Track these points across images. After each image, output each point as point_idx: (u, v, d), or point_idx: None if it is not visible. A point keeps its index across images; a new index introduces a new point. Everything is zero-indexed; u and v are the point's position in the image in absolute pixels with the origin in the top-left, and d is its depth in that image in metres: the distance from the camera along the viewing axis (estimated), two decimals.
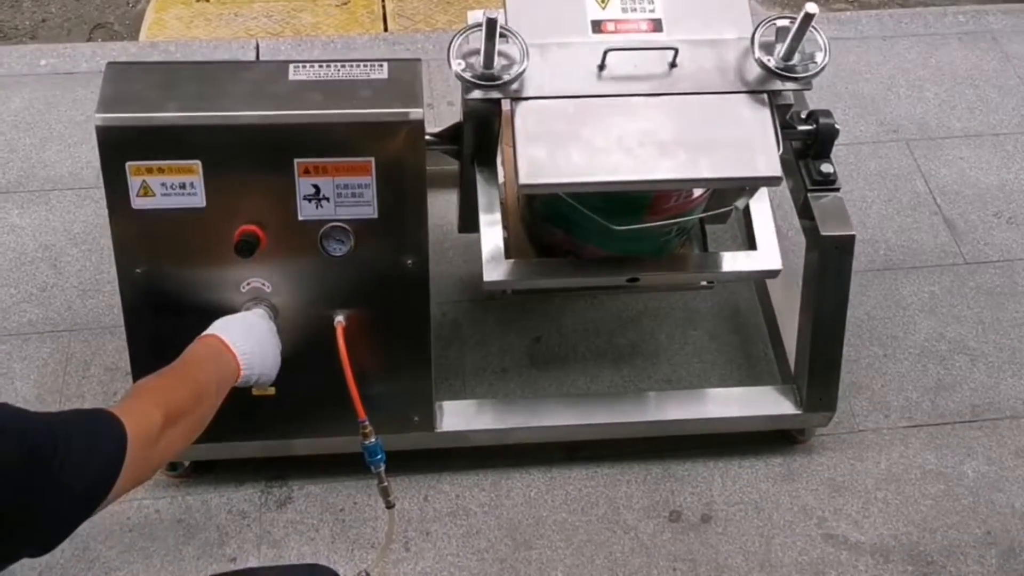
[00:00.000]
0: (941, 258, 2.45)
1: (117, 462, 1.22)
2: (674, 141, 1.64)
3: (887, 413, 2.17)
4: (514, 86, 1.65)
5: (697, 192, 1.80)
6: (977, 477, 2.08)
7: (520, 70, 1.64)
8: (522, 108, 1.65)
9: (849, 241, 1.86)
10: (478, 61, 1.64)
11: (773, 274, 1.88)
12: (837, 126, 1.88)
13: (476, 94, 1.65)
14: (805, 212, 1.88)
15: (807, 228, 1.88)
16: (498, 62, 1.64)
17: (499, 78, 1.64)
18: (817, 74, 1.68)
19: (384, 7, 3.12)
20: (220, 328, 1.62)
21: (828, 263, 1.87)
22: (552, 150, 1.62)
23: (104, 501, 1.21)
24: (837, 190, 1.87)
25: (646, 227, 1.77)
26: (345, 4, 3.12)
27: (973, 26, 3.03)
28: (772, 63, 1.68)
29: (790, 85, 1.69)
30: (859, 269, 2.34)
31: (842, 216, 1.85)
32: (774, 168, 1.64)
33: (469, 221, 1.91)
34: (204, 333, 1.62)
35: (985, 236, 2.50)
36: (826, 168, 1.88)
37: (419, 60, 1.73)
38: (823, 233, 1.83)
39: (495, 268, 1.78)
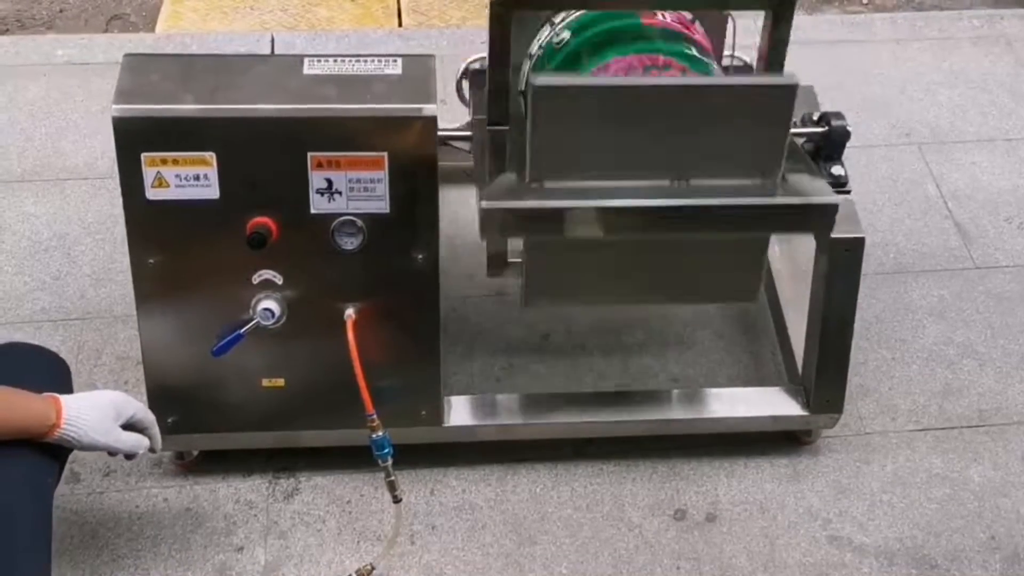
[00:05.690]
0: (951, 262, 2.45)
1: None
2: None
3: (894, 416, 2.17)
4: None
5: None
6: (983, 482, 2.08)
7: None
8: None
9: (859, 243, 1.86)
10: None
11: None
12: (849, 128, 1.88)
13: None
14: None
15: None
16: None
17: None
18: None
19: (399, 2, 3.13)
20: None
21: (837, 265, 1.87)
22: None
23: None
24: (848, 192, 1.87)
25: None
26: None
27: (987, 30, 3.03)
28: None
29: None
30: (868, 272, 2.33)
31: (852, 218, 1.85)
32: None
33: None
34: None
35: (996, 241, 2.49)
36: (837, 170, 1.88)
37: (433, 56, 1.73)
38: (833, 235, 1.83)
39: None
